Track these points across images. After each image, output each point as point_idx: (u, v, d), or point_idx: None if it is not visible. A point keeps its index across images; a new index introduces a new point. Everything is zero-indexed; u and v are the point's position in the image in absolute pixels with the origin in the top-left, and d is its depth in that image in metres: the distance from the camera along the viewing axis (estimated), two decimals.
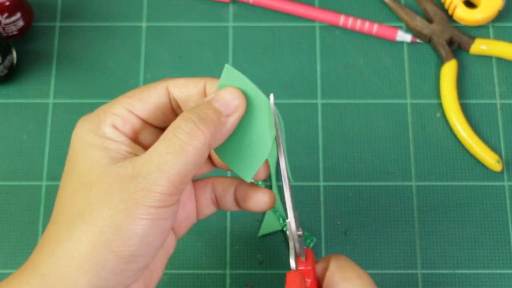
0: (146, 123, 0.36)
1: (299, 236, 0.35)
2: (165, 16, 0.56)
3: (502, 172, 0.51)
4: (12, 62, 0.52)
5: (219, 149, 0.36)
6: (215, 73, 0.54)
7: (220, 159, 0.36)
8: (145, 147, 0.35)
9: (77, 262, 0.31)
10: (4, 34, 0.53)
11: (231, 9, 0.56)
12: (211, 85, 0.35)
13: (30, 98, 0.53)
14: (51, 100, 0.53)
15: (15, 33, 0.53)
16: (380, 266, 0.49)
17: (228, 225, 0.50)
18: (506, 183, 0.51)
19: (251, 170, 0.36)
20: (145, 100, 0.35)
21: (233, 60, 0.54)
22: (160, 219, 0.32)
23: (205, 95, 0.36)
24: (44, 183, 0.51)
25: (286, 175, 0.35)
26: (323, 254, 0.49)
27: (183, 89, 0.36)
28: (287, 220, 0.35)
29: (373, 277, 0.48)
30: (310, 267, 0.35)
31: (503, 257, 0.49)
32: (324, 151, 0.52)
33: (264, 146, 0.36)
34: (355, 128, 0.52)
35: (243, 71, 0.57)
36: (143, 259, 0.32)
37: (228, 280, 0.48)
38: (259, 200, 0.38)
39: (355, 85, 0.53)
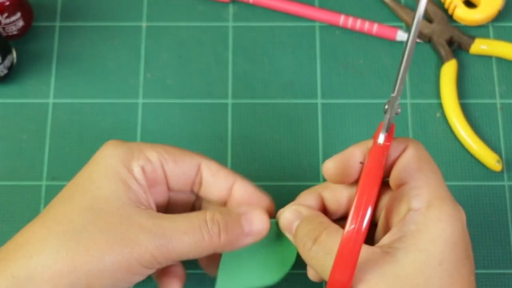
0: (166, 181, 0.37)
1: (397, 113, 0.34)
2: (165, 16, 0.56)
3: (502, 172, 0.51)
4: (12, 62, 0.52)
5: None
6: (215, 73, 0.54)
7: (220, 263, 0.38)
8: (156, 202, 0.37)
9: (51, 275, 0.32)
10: (4, 34, 0.53)
11: (231, 9, 0.56)
12: (239, 185, 0.38)
13: (30, 98, 0.53)
14: (51, 100, 0.53)
15: (15, 33, 0.53)
16: None
17: None
18: (506, 183, 0.51)
19: None
20: (178, 164, 0.37)
21: (233, 60, 0.54)
22: (137, 274, 0.34)
23: (231, 191, 0.38)
24: (44, 183, 0.51)
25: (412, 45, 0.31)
26: None
27: (215, 175, 0.37)
28: (392, 95, 0.33)
29: None
30: (389, 143, 0.34)
31: (503, 257, 0.49)
32: (324, 151, 0.52)
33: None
34: (355, 128, 0.52)
35: (243, 71, 0.57)
36: None
37: None
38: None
39: (355, 85, 0.53)
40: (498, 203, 0.50)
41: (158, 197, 0.38)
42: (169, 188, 0.38)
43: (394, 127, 0.35)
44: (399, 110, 0.34)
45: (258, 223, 0.36)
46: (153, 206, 0.37)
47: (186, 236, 0.33)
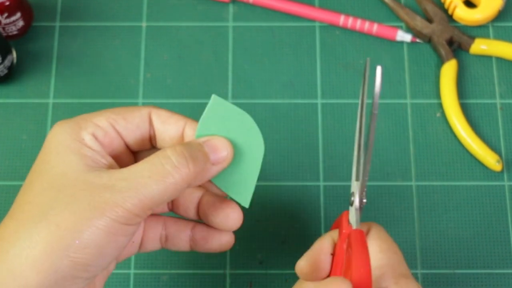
0: (123, 141, 0.37)
1: (362, 205, 0.35)
2: (165, 16, 0.56)
3: (502, 172, 0.51)
4: (12, 62, 0.52)
5: (216, 177, 0.37)
6: (215, 73, 0.54)
7: (217, 186, 0.37)
8: (118, 165, 0.36)
9: (32, 262, 0.31)
10: (4, 34, 0.53)
11: (231, 9, 0.56)
12: (190, 127, 0.36)
13: (30, 98, 0.53)
14: (51, 100, 0.53)
15: (15, 33, 0.53)
16: None
17: None
18: (506, 183, 0.51)
19: (247, 195, 0.37)
20: (128, 120, 0.36)
21: (233, 60, 0.54)
22: (120, 235, 0.32)
23: (182, 134, 0.37)
24: None
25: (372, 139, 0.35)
26: None
27: (165, 122, 0.37)
28: (357, 181, 0.35)
29: None
30: (363, 229, 0.35)
31: (503, 257, 0.49)
32: (324, 151, 0.52)
33: (255, 169, 0.37)
34: (355, 128, 0.52)
35: (243, 71, 0.57)
36: (95, 269, 0.33)
37: (228, 280, 0.48)
38: (222, 244, 0.40)
39: (355, 85, 0.53)
40: (498, 203, 0.50)
41: (123, 161, 0.37)
42: (130, 149, 0.38)
43: (347, 214, 0.37)
44: (364, 201, 0.36)
45: (222, 148, 0.35)
46: (118, 167, 0.36)
47: (151, 180, 0.32)
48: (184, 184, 0.33)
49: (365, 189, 0.36)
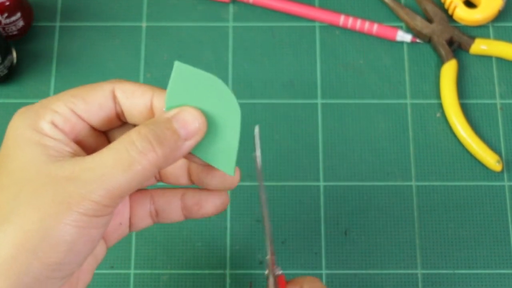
0: (88, 124, 0.34)
1: (278, 275, 0.35)
2: (165, 16, 0.56)
3: (502, 172, 0.51)
4: (12, 62, 0.52)
5: (195, 148, 0.34)
6: (215, 73, 0.53)
7: (197, 156, 0.34)
8: (86, 149, 0.34)
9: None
10: (4, 34, 0.53)
11: (231, 9, 0.56)
12: (158, 98, 0.34)
13: (30, 98, 0.53)
14: None
15: (15, 33, 0.53)
16: (380, 266, 0.49)
17: (228, 225, 0.50)
18: (506, 183, 0.51)
19: (231, 162, 0.34)
20: (89, 101, 0.33)
21: (233, 60, 0.54)
22: (91, 228, 0.30)
23: (151, 107, 0.34)
24: None
25: (266, 212, 0.34)
26: (323, 254, 0.49)
27: (129, 96, 0.34)
28: (267, 258, 0.34)
29: (373, 277, 0.49)
30: None
31: (503, 257, 0.49)
32: (324, 151, 0.52)
33: (234, 134, 0.34)
34: (355, 128, 0.52)
35: (243, 71, 0.57)
36: (69, 267, 0.31)
37: (228, 280, 0.48)
38: (218, 206, 0.37)
39: (355, 85, 0.53)
40: (498, 203, 0.50)
41: (87, 141, 0.34)
42: (97, 130, 0.35)
43: (283, 277, 0.36)
44: (280, 272, 0.35)
45: (193, 120, 0.32)
46: (84, 154, 0.33)
47: (116, 169, 0.30)
48: (153, 169, 0.31)
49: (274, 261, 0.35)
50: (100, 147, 0.32)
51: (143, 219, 0.37)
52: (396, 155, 0.51)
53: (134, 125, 0.35)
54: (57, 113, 0.33)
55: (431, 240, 0.49)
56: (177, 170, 0.37)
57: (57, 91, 0.53)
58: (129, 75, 0.54)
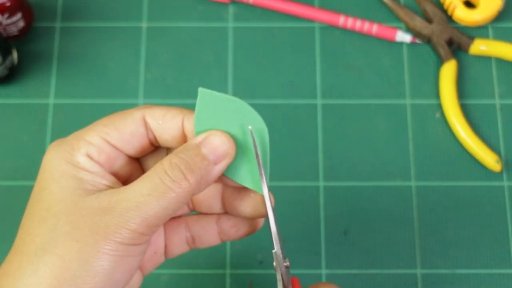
0: (122, 152, 0.35)
1: (287, 267, 0.35)
2: (165, 16, 0.56)
3: (501, 172, 0.51)
4: (12, 63, 0.52)
5: (228, 169, 0.35)
6: (215, 73, 0.54)
7: (230, 178, 0.35)
8: (120, 178, 0.35)
9: None
10: (5, 35, 0.53)
11: (231, 9, 0.56)
12: (189, 120, 0.34)
13: (31, 99, 0.53)
14: (51, 101, 0.53)
15: (15, 33, 0.53)
16: (380, 266, 0.49)
17: None
18: (505, 183, 0.51)
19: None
20: (121, 130, 0.34)
21: (233, 61, 0.54)
22: (129, 256, 0.31)
23: (183, 129, 0.35)
24: None
25: (270, 206, 0.34)
26: (322, 254, 0.49)
27: (160, 121, 0.34)
28: (273, 251, 0.35)
29: (373, 277, 0.49)
30: None
31: (503, 257, 0.49)
32: (324, 151, 0.52)
33: (265, 153, 0.35)
34: (355, 128, 0.52)
35: (243, 71, 0.57)
36: None
37: (228, 280, 0.48)
38: (256, 225, 0.37)
39: (355, 85, 0.54)
40: (497, 203, 0.50)
41: (122, 169, 0.35)
42: (131, 158, 0.35)
43: (297, 281, 0.36)
44: (287, 264, 0.35)
45: (221, 144, 0.33)
46: (119, 185, 0.34)
47: (151, 197, 0.31)
48: (187, 195, 0.32)
49: (283, 254, 0.35)
50: (134, 174, 0.34)
51: (179, 246, 0.38)
52: (396, 155, 0.52)
53: (168, 149, 0.36)
54: (92, 144, 0.33)
55: (431, 240, 0.49)
56: (211, 199, 0.38)
57: (58, 91, 0.53)
58: (130, 75, 0.54)
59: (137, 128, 0.34)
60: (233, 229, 0.38)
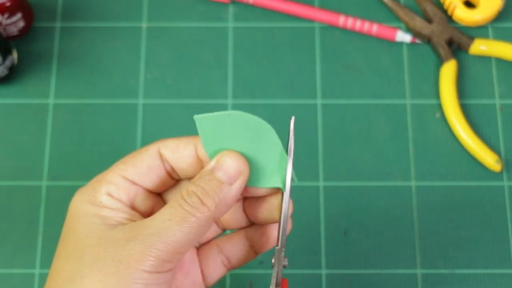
0: (141, 187, 0.36)
1: (284, 266, 0.35)
2: (165, 16, 0.56)
3: (501, 172, 0.51)
4: (12, 63, 0.52)
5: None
6: (215, 73, 0.54)
7: (254, 187, 0.36)
8: (142, 213, 0.36)
9: None
10: (5, 35, 0.53)
11: (231, 9, 0.56)
12: (201, 146, 0.35)
13: (31, 99, 0.53)
14: (51, 101, 0.53)
15: (15, 33, 0.53)
16: (379, 266, 0.49)
17: None
18: (505, 183, 0.51)
19: (282, 176, 0.37)
20: (138, 166, 0.35)
21: (233, 61, 0.54)
22: (153, 285, 0.31)
23: (197, 156, 0.36)
24: (44, 183, 0.51)
25: (286, 208, 0.36)
26: (322, 254, 0.49)
27: (174, 151, 0.36)
28: (276, 247, 0.35)
29: (373, 277, 0.49)
30: None
31: (503, 257, 0.49)
32: (324, 151, 0.52)
33: (276, 150, 0.37)
34: (355, 128, 0.52)
35: (243, 71, 0.57)
36: None
37: (228, 280, 0.48)
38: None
39: (355, 85, 0.54)
40: (497, 203, 0.50)
41: (143, 204, 0.36)
42: (153, 193, 0.37)
43: (286, 282, 0.36)
44: (285, 263, 0.35)
45: (232, 165, 0.34)
46: (141, 218, 0.35)
47: (172, 222, 0.32)
48: (208, 220, 0.33)
49: (284, 252, 0.35)
50: (157, 209, 0.34)
51: (216, 270, 0.38)
52: (396, 155, 0.52)
53: (189, 180, 0.37)
54: (111, 183, 0.35)
55: (431, 240, 0.49)
56: (234, 215, 0.38)
57: (58, 91, 0.53)
58: (130, 75, 0.54)
59: (153, 161, 0.36)
60: (264, 238, 0.38)
